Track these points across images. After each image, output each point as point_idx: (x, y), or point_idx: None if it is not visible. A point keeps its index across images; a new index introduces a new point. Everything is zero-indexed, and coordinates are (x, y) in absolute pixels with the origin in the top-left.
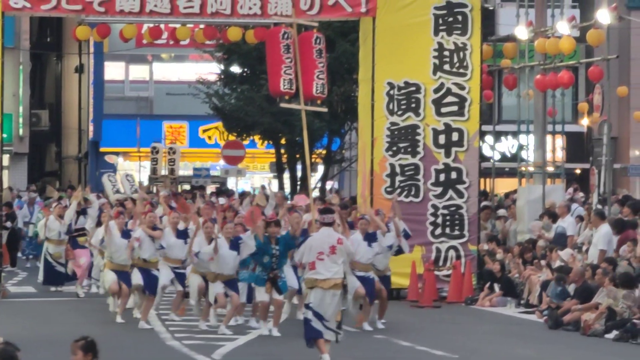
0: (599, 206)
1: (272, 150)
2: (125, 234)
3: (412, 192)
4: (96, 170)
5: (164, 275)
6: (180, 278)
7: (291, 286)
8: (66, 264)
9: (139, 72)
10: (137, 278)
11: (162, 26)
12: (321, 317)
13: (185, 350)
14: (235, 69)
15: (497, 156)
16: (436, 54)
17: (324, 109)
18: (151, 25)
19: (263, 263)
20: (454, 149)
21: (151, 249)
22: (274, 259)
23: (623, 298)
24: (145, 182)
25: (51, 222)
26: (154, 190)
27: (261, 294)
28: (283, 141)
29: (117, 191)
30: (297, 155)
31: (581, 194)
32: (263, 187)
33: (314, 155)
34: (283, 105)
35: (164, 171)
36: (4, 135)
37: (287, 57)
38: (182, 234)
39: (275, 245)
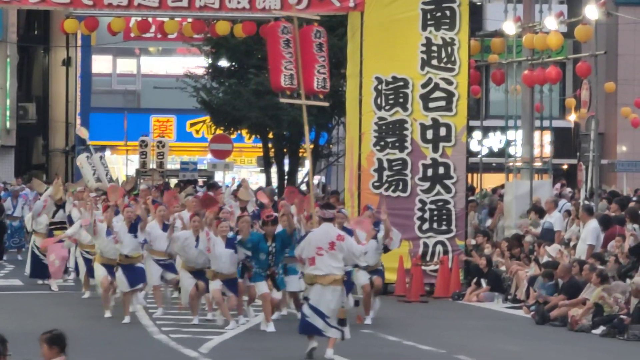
0: (587, 202)
1: (260, 145)
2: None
3: (400, 187)
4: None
5: (154, 274)
6: (169, 268)
7: (294, 290)
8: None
9: (126, 65)
10: (123, 285)
11: (150, 19)
12: (322, 315)
13: (172, 344)
14: (223, 63)
15: (485, 151)
16: (424, 48)
17: (326, 104)
18: (139, 18)
19: (260, 261)
20: (441, 144)
21: (132, 243)
22: (270, 257)
23: (611, 291)
24: (133, 176)
25: (42, 216)
26: (140, 183)
27: (261, 287)
28: (271, 135)
29: (98, 178)
30: (285, 150)
31: (569, 189)
32: (244, 181)
33: (301, 150)
34: (283, 100)
35: (152, 165)
36: None
37: (288, 52)
38: (168, 227)
39: (272, 243)
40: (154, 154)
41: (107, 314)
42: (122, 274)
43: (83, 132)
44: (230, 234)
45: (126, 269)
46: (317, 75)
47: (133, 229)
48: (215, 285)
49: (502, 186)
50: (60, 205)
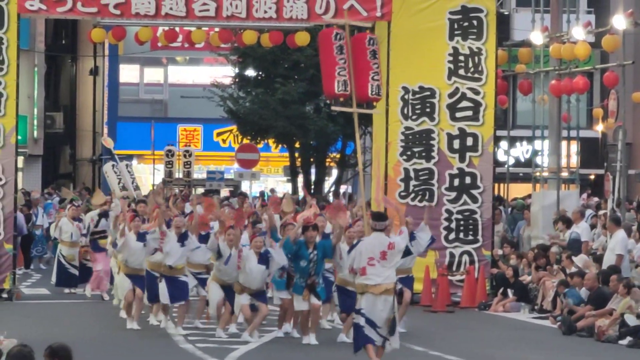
0: (614, 212)
1: (286, 154)
2: (141, 237)
3: (427, 197)
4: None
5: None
6: (203, 283)
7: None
8: (80, 266)
9: (153, 74)
10: (164, 297)
11: (177, 29)
12: (374, 324)
13: (198, 354)
14: (250, 72)
15: (512, 161)
16: (451, 58)
17: (377, 111)
18: (166, 28)
19: (300, 268)
20: (468, 154)
21: (178, 254)
22: (311, 264)
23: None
24: (161, 185)
25: (64, 224)
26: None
27: (300, 303)
28: (297, 145)
29: (124, 186)
30: (311, 159)
31: (595, 199)
32: (272, 191)
33: (327, 159)
34: (335, 108)
35: (179, 174)
36: (19, 137)
37: (341, 58)
38: (183, 237)
39: (313, 250)
40: (180, 164)
41: (132, 326)
42: (165, 286)
43: (108, 142)
44: (264, 249)
45: (170, 281)
46: (371, 82)
47: (182, 239)
48: (243, 300)
49: (529, 196)
50: (102, 214)
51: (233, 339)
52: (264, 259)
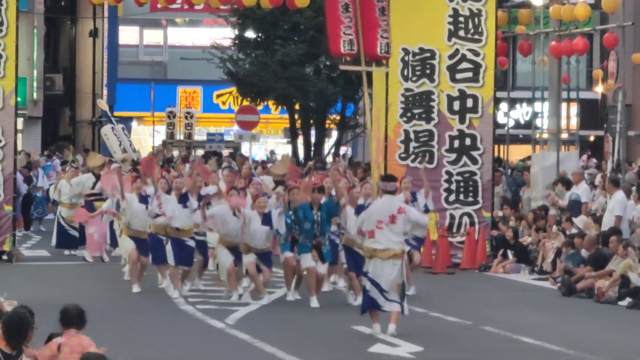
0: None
1: (286, 116)
2: (143, 199)
3: (426, 159)
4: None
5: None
6: (200, 246)
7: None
8: (80, 228)
9: (153, 36)
10: (170, 259)
11: None
12: (381, 289)
13: (198, 315)
14: (250, 34)
15: (512, 123)
16: (451, 20)
17: (386, 69)
18: None
19: (305, 230)
20: (468, 116)
21: (182, 215)
22: (315, 226)
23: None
24: (161, 146)
25: (63, 186)
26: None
27: (307, 261)
28: (297, 106)
29: (124, 149)
30: (311, 121)
31: (594, 161)
32: (272, 153)
33: (327, 121)
34: (343, 67)
35: (180, 136)
36: (18, 99)
37: (347, 16)
38: (183, 198)
39: (317, 212)
40: (181, 125)
41: (135, 289)
42: (172, 248)
43: (103, 104)
44: (267, 210)
45: (176, 243)
46: (380, 40)
47: (183, 199)
48: (250, 258)
49: (529, 158)
50: (98, 176)
51: (234, 300)
52: (267, 219)
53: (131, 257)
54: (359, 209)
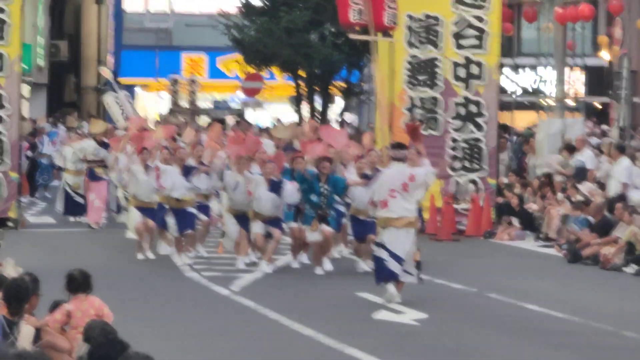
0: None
1: (291, 83)
2: (150, 169)
3: (432, 125)
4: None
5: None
6: (204, 210)
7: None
8: (85, 195)
9: (158, 3)
10: (173, 230)
11: None
12: (398, 258)
13: (203, 282)
14: (255, 1)
15: (517, 90)
16: None
17: (393, 40)
18: None
19: (311, 201)
20: (473, 82)
21: (182, 187)
22: (322, 198)
23: None
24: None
25: (67, 152)
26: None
27: (311, 234)
28: (302, 73)
29: (127, 117)
30: (316, 88)
31: (602, 127)
32: (278, 120)
33: (331, 87)
34: (352, 36)
35: (183, 103)
36: (24, 66)
37: None
38: (186, 170)
39: (325, 184)
40: (185, 92)
41: (140, 257)
42: (173, 218)
43: (106, 72)
44: (276, 178)
45: (177, 213)
46: (387, 10)
47: (185, 172)
48: (257, 228)
49: (535, 126)
50: (100, 142)
51: (240, 267)
52: (275, 187)
53: (138, 230)
54: (364, 178)
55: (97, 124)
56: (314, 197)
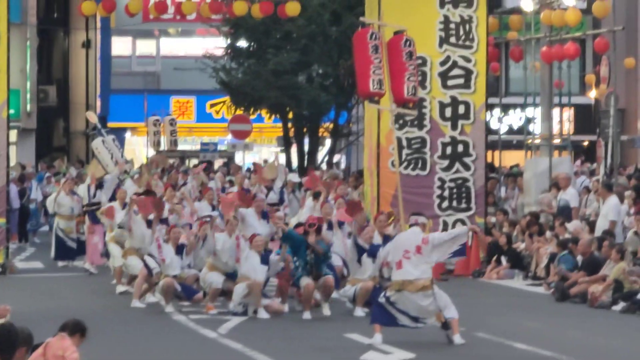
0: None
1: (280, 124)
2: (150, 224)
3: (419, 165)
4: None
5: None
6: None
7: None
8: (78, 239)
9: (146, 47)
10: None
11: (168, 1)
12: (409, 315)
13: (191, 325)
14: (242, 43)
15: (505, 129)
16: (442, 26)
17: (414, 112)
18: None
19: (300, 265)
20: (460, 122)
21: (177, 266)
22: (308, 266)
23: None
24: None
25: (61, 198)
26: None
27: (303, 279)
28: (290, 115)
29: (116, 161)
30: (305, 129)
31: (588, 165)
32: (265, 161)
33: (321, 129)
34: (371, 106)
35: (163, 146)
36: (12, 111)
37: (376, 57)
38: (180, 249)
39: (311, 254)
40: (164, 134)
41: (135, 304)
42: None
43: (92, 117)
44: (264, 251)
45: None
46: (407, 83)
47: (179, 250)
48: (241, 290)
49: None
50: (97, 185)
51: (227, 310)
52: (265, 259)
53: (142, 271)
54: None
55: (98, 167)
56: (300, 263)
